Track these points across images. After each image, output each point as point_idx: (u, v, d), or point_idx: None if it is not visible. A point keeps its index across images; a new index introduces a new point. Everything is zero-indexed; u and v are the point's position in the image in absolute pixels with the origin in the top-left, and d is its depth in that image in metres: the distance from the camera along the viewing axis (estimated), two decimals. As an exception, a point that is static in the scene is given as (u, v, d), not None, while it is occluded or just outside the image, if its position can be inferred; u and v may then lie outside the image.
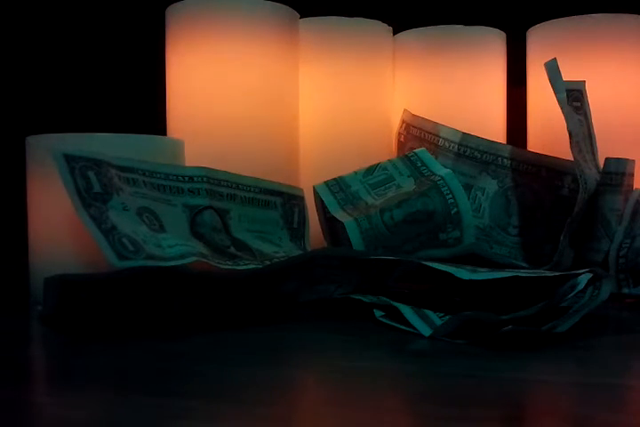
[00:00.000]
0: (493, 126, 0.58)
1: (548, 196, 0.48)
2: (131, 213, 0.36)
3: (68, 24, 0.76)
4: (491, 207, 0.48)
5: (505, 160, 0.48)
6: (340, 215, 0.43)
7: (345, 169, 0.47)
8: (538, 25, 0.55)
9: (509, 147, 0.49)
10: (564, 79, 0.43)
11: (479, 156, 0.48)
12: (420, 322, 0.33)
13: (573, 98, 0.45)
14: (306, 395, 0.25)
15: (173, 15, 0.50)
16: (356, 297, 0.38)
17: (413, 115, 0.52)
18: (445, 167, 0.45)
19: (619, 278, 0.42)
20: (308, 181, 0.50)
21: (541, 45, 0.55)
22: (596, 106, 0.46)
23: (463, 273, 0.33)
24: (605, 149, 0.47)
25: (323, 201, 0.45)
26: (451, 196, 0.43)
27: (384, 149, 0.56)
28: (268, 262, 0.40)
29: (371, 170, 0.46)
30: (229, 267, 0.37)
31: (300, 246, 0.45)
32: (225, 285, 0.36)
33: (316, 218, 0.48)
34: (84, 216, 0.33)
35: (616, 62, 0.52)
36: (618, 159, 0.43)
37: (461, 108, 0.56)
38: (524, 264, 0.45)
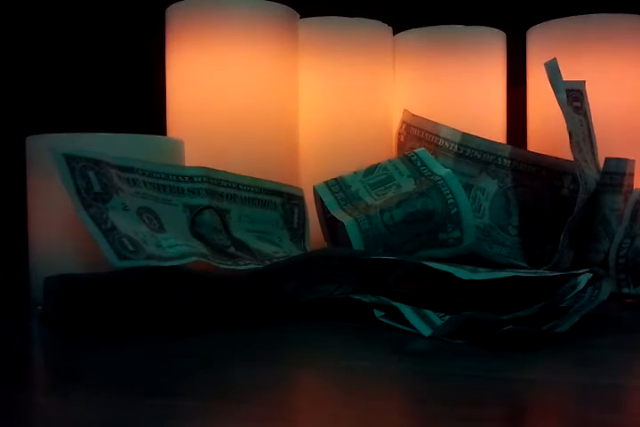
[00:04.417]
0: (493, 126, 0.58)
1: (548, 196, 0.48)
2: (131, 213, 0.36)
3: (68, 24, 0.76)
4: (491, 207, 0.48)
5: (505, 160, 0.48)
6: (340, 215, 0.43)
7: (345, 169, 0.47)
8: (538, 25, 0.55)
9: (509, 147, 0.49)
10: (564, 79, 0.43)
11: (479, 156, 0.48)
12: (420, 322, 0.33)
13: (573, 98, 0.45)
14: (306, 395, 0.25)
15: (173, 15, 0.50)
16: (356, 297, 0.38)
17: (413, 115, 0.52)
18: (445, 167, 0.45)
19: (619, 278, 0.42)
20: (308, 181, 0.50)
21: (541, 45, 0.55)
22: (596, 106, 0.46)
23: (463, 273, 0.33)
24: (605, 149, 0.47)
25: (323, 201, 0.45)
26: (451, 196, 0.43)
27: (384, 148, 0.56)
28: (267, 262, 0.40)
29: (371, 170, 0.46)
30: (229, 267, 0.37)
31: (300, 246, 0.45)
32: (225, 285, 0.36)
33: (316, 218, 0.48)
34: (84, 216, 0.33)
35: (616, 62, 0.52)
36: (618, 159, 0.43)
37: (461, 108, 0.56)
38: (523, 264, 0.45)
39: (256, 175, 0.44)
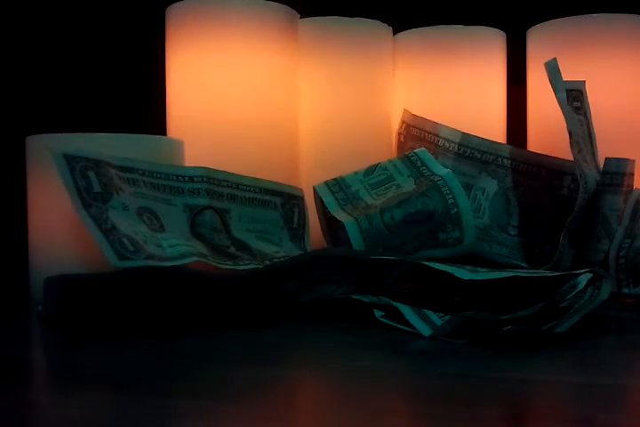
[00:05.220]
0: (493, 126, 0.58)
1: (548, 196, 0.48)
2: (131, 212, 0.36)
3: (67, 24, 0.76)
4: (491, 207, 0.48)
5: (505, 160, 0.48)
6: (340, 215, 0.43)
7: (345, 169, 0.47)
8: (538, 25, 0.55)
9: (509, 147, 0.49)
10: (564, 79, 0.43)
11: (479, 156, 0.48)
12: (420, 322, 0.33)
13: (573, 98, 0.45)
14: (306, 395, 0.25)
15: (173, 15, 0.50)
16: (356, 297, 0.38)
17: (413, 115, 0.52)
18: (445, 167, 0.45)
19: (619, 278, 0.42)
20: (308, 181, 0.50)
21: (541, 45, 0.55)
22: (596, 106, 0.46)
23: (463, 273, 0.33)
24: (605, 149, 0.47)
25: (323, 201, 0.45)
26: (451, 196, 0.43)
27: (384, 149, 0.56)
28: (267, 262, 0.40)
29: (371, 170, 0.46)
30: (229, 267, 0.37)
31: (300, 246, 0.45)
32: (225, 285, 0.36)
33: (316, 218, 0.48)
34: (84, 216, 0.33)
35: (616, 62, 0.52)
36: (618, 159, 0.43)
37: (461, 108, 0.56)
38: (524, 264, 0.45)
39: (256, 175, 0.44)
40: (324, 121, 0.55)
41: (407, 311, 0.34)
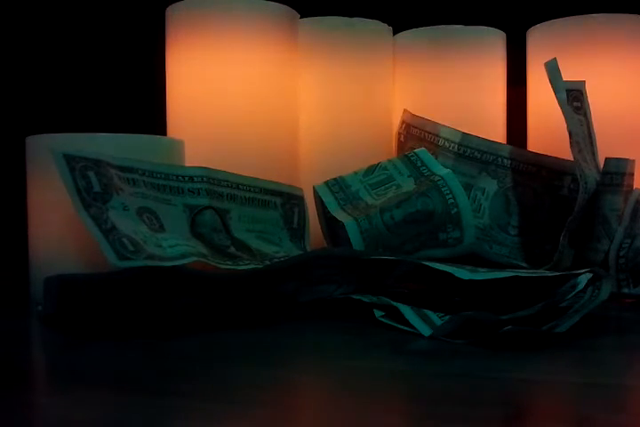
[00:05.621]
0: (493, 126, 0.58)
1: (548, 196, 0.48)
2: (131, 212, 0.36)
3: (67, 24, 0.76)
4: (491, 207, 0.48)
5: (505, 160, 0.48)
6: (340, 215, 0.43)
7: (345, 169, 0.47)
8: (538, 25, 0.55)
9: (509, 147, 0.49)
10: (564, 79, 0.43)
11: (479, 156, 0.48)
12: (420, 322, 0.33)
13: (573, 98, 0.45)
14: (306, 395, 0.25)
15: (173, 15, 0.50)
16: (356, 297, 0.38)
17: (413, 115, 0.52)
18: (445, 167, 0.45)
19: (619, 278, 0.42)
20: (308, 181, 0.50)
21: (541, 45, 0.55)
22: (595, 106, 0.46)
23: (463, 273, 0.33)
24: (605, 149, 0.47)
25: (323, 201, 0.45)
26: (451, 196, 0.43)
27: (384, 148, 0.56)
28: (267, 262, 0.40)
29: (371, 170, 0.46)
30: (229, 267, 0.37)
31: (300, 246, 0.45)
32: (225, 285, 0.36)
33: (316, 218, 0.48)
34: (84, 216, 0.33)
35: (616, 62, 0.52)
36: (618, 159, 0.43)
37: (461, 108, 0.56)
38: (524, 264, 0.45)
39: (256, 175, 0.44)
40: (324, 121, 0.55)
41: (407, 311, 0.34)
